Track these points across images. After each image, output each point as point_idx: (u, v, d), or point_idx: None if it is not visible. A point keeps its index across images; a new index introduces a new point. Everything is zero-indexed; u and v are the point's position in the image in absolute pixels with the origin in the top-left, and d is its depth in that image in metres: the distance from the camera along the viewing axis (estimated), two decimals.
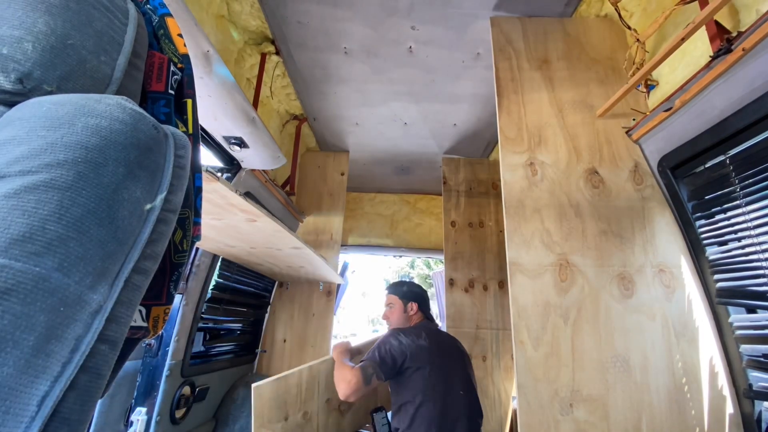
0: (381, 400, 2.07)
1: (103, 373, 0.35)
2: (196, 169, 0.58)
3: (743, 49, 1.00)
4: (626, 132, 1.50)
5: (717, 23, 1.11)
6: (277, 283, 2.82)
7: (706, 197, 1.27)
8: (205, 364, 2.02)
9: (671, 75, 1.37)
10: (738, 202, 1.16)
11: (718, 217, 1.25)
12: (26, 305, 0.29)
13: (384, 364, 1.60)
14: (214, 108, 1.53)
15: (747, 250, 1.16)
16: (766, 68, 0.99)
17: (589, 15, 1.71)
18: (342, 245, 3.44)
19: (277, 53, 2.03)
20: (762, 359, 1.14)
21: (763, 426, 1.15)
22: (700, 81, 1.14)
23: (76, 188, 0.33)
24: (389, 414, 1.80)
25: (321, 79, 2.26)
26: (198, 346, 1.98)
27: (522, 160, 1.52)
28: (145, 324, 0.55)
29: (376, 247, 3.83)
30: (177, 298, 1.75)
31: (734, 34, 1.07)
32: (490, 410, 2.52)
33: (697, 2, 1.16)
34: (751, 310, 1.22)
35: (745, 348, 1.19)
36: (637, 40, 1.43)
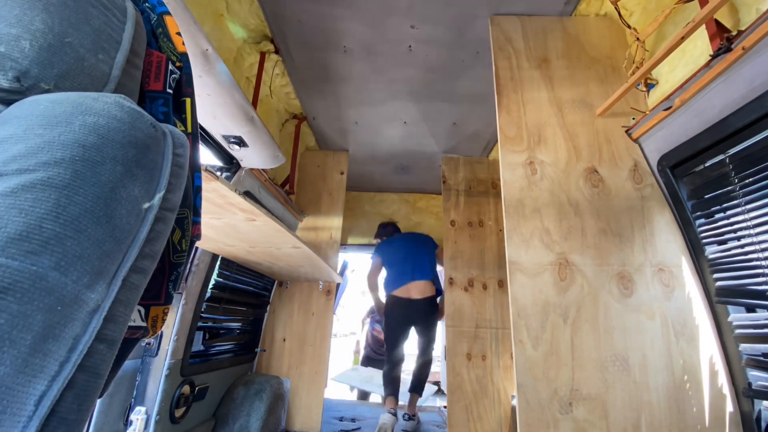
0: None
1: (102, 372, 0.35)
2: (195, 169, 0.57)
3: (743, 48, 1.00)
4: (626, 131, 1.50)
5: (717, 22, 1.11)
6: (276, 282, 2.82)
7: (706, 196, 1.27)
8: (204, 363, 2.02)
9: (671, 74, 1.37)
10: (737, 201, 1.16)
11: (717, 216, 1.25)
12: (23, 304, 0.29)
13: None
14: (214, 107, 1.53)
15: (746, 249, 1.16)
16: (766, 67, 0.99)
17: (588, 14, 1.71)
18: (342, 245, 3.43)
19: (277, 52, 2.02)
20: (761, 358, 1.14)
21: (763, 425, 1.15)
22: (700, 80, 1.14)
23: (74, 187, 0.33)
24: None
25: (320, 78, 2.25)
26: (197, 346, 1.97)
27: (521, 159, 1.52)
28: (144, 324, 0.54)
29: None
30: (176, 297, 1.74)
31: (734, 33, 1.07)
32: (489, 409, 2.52)
33: (696, 1, 1.16)
34: (751, 309, 1.22)
35: (744, 347, 1.19)
36: (637, 38, 1.43)
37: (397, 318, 3.02)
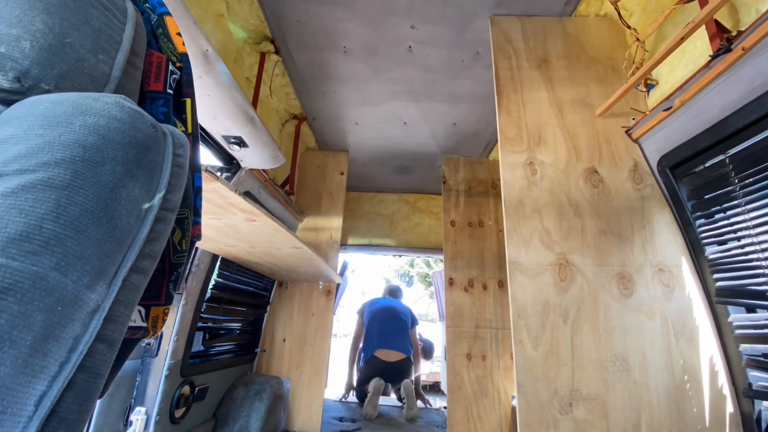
0: None
1: (102, 372, 0.35)
2: (195, 169, 0.57)
3: (743, 49, 1.00)
4: (626, 131, 1.50)
5: (717, 22, 1.11)
6: (276, 282, 2.82)
7: (706, 197, 1.27)
8: (204, 363, 2.02)
9: (671, 74, 1.37)
10: (737, 201, 1.16)
11: (717, 216, 1.25)
12: (24, 304, 0.29)
13: None
14: (214, 107, 1.53)
15: (746, 249, 1.17)
16: (766, 67, 0.99)
17: (588, 14, 1.71)
18: (342, 245, 3.44)
19: (277, 52, 2.02)
20: (761, 358, 1.14)
21: (763, 425, 1.15)
22: (700, 80, 1.14)
23: (74, 187, 0.33)
24: None
25: (320, 79, 2.25)
26: (197, 346, 1.97)
27: (521, 160, 1.52)
28: (144, 324, 0.54)
29: (375, 247, 3.83)
30: (176, 297, 1.74)
31: (734, 34, 1.07)
32: (489, 410, 2.52)
33: (696, 1, 1.16)
34: (751, 309, 1.22)
35: (744, 347, 1.19)
36: (637, 39, 1.43)
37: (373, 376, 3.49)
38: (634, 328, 1.31)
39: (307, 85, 2.32)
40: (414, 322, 4.00)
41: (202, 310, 1.92)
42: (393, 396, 3.82)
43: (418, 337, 4.66)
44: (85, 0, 0.46)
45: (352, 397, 3.73)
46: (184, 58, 0.61)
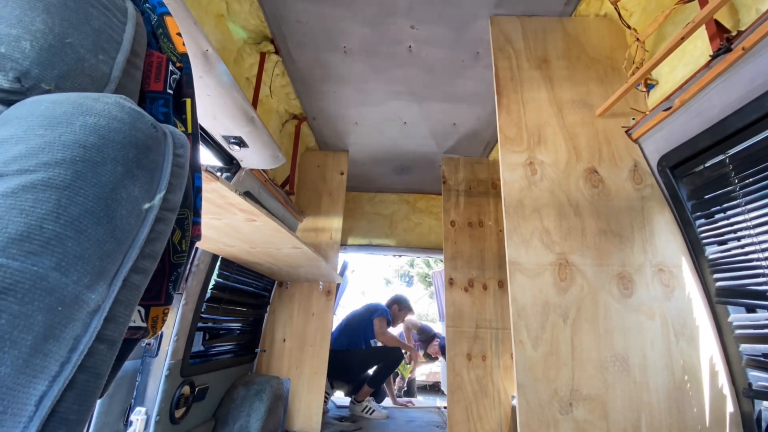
0: None
1: (102, 372, 0.35)
2: (195, 169, 0.57)
3: (743, 49, 1.00)
4: (626, 131, 1.50)
5: (717, 22, 1.11)
6: (276, 282, 2.82)
7: (706, 197, 1.27)
8: (204, 363, 2.02)
9: (671, 74, 1.37)
10: (737, 201, 1.16)
11: (717, 216, 1.25)
12: (24, 305, 0.29)
13: None
14: (214, 107, 1.53)
15: (746, 249, 1.16)
16: (766, 67, 0.99)
17: (588, 14, 1.71)
18: (342, 245, 3.44)
19: (277, 52, 2.03)
20: (761, 358, 1.14)
21: (763, 425, 1.15)
22: (700, 80, 1.14)
23: (74, 187, 0.33)
24: None
25: (320, 79, 2.25)
26: (197, 346, 1.97)
27: (521, 160, 1.52)
28: (144, 324, 0.54)
29: (375, 247, 3.83)
30: (176, 297, 1.74)
31: (734, 33, 1.07)
32: (489, 409, 2.52)
33: (696, 1, 1.16)
34: (751, 309, 1.22)
35: (744, 347, 1.19)
36: (637, 39, 1.43)
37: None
38: (634, 328, 1.31)
39: (307, 85, 2.32)
40: (377, 312, 3.63)
41: (202, 310, 1.92)
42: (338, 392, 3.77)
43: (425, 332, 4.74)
44: (85, 0, 0.46)
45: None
46: (184, 58, 0.61)
